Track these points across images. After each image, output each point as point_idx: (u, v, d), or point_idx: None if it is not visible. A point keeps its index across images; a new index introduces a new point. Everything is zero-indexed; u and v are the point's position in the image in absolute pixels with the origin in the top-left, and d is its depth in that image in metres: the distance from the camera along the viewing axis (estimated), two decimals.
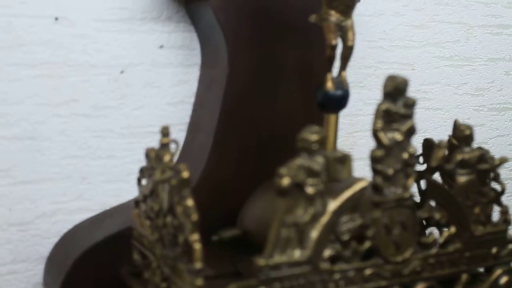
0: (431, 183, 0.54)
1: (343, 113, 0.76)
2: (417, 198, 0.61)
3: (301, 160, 0.47)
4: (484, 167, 0.56)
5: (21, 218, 0.62)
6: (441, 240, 0.54)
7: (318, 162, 0.47)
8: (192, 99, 0.68)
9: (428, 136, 0.63)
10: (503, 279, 0.57)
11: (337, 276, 0.49)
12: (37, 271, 0.63)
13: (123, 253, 0.59)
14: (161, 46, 0.66)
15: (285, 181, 0.46)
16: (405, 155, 0.51)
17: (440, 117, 0.84)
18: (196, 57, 0.67)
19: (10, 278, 0.63)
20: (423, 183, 0.60)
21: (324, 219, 0.48)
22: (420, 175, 0.60)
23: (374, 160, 0.50)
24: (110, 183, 0.65)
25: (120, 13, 0.63)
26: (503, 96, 0.88)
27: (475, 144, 0.57)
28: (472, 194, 0.55)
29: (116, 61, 0.64)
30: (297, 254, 0.47)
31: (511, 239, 0.58)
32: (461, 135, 0.55)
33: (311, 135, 0.47)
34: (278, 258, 0.46)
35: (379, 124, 0.50)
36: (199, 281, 0.46)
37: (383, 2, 0.77)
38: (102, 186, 0.65)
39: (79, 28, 0.62)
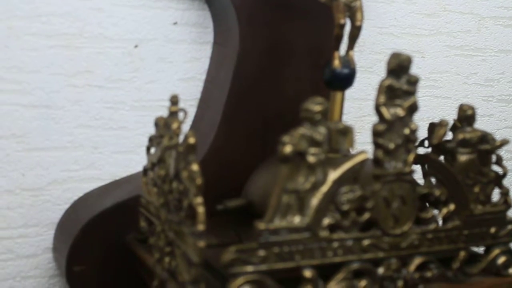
0: (431, 160, 0.55)
1: (351, 97, 0.78)
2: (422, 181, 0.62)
3: (303, 130, 0.48)
4: (485, 147, 0.57)
5: (33, 184, 0.64)
6: (440, 216, 0.55)
7: (320, 132, 0.49)
8: (203, 76, 0.69)
9: None
10: (501, 259, 0.58)
11: (335, 244, 0.50)
12: (47, 236, 0.65)
13: (130, 220, 0.61)
14: (175, 23, 0.67)
15: (287, 149, 0.47)
16: (407, 131, 0.52)
17: (449, 106, 0.85)
18: (209, 35, 0.69)
19: (21, 242, 0.65)
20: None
21: (324, 188, 0.49)
22: (424, 158, 0.61)
23: (376, 134, 0.51)
24: (121, 154, 0.67)
25: None
26: None
27: None
28: (472, 173, 0.56)
29: (130, 35, 0.66)
30: (296, 220, 0.48)
31: (510, 220, 0.59)
32: (463, 115, 0.56)
33: (315, 105, 0.49)
34: (278, 223, 0.48)
35: (382, 99, 0.51)
36: (202, 243, 0.47)
37: None
38: (113, 156, 0.66)
39: (96, 1, 0.64)
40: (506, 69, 0.87)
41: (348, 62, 0.59)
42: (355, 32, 0.60)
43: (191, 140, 0.49)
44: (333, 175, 0.49)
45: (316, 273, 0.49)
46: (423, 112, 0.84)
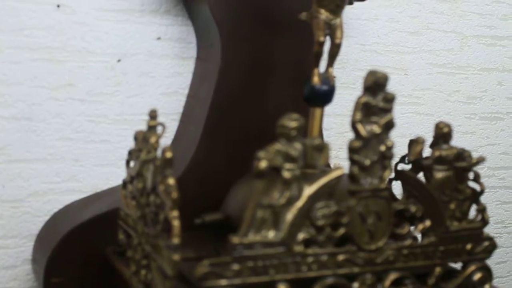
0: (407, 177, 0.56)
1: (334, 113, 0.79)
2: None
3: (279, 145, 0.49)
4: (462, 165, 0.58)
5: (13, 196, 0.64)
6: (415, 232, 0.56)
7: (296, 148, 0.49)
8: (186, 91, 0.70)
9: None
10: (477, 276, 0.59)
11: (310, 259, 0.51)
12: (27, 247, 0.65)
13: (110, 233, 0.61)
14: (159, 38, 0.68)
15: (262, 164, 0.48)
16: (382, 148, 0.52)
17: (431, 123, 0.85)
18: (192, 50, 0.69)
19: (0, 253, 0.65)
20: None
21: (299, 203, 0.49)
22: (401, 174, 0.62)
23: (352, 150, 0.52)
24: (102, 167, 0.67)
25: (120, 4, 0.65)
26: (495, 105, 0.89)
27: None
28: (448, 190, 0.57)
29: (113, 49, 0.66)
30: (271, 235, 0.49)
31: (486, 237, 0.59)
32: (439, 132, 0.57)
33: (290, 122, 0.49)
34: (252, 237, 0.48)
35: (358, 116, 0.52)
36: (176, 256, 0.47)
37: (378, 7, 0.80)
38: (94, 169, 0.67)
39: (80, 15, 0.64)
40: (488, 87, 0.88)
41: (327, 79, 0.60)
42: (335, 50, 0.60)
43: (168, 154, 0.50)
44: (308, 190, 0.50)
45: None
46: (405, 128, 0.85)
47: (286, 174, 0.49)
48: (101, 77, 0.66)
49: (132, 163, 0.58)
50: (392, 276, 0.54)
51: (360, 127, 0.52)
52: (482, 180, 0.59)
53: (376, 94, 0.52)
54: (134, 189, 0.56)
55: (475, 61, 0.86)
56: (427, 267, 0.57)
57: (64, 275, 0.62)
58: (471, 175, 0.60)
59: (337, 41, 0.60)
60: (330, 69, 0.61)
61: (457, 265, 0.60)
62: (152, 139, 0.53)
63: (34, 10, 0.63)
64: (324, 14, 0.59)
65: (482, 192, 0.60)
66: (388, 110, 0.53)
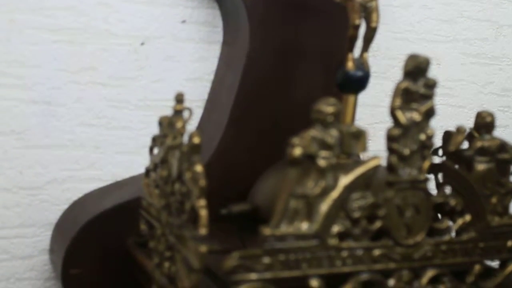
0: (447, 169, 0.53)
1: (364, 103, 0.75)
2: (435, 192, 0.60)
3: (314, 132, 0.46)
4: (504, 156, 0.54)
5: (31, 182, 0.62)
6: (455, 227, 0.52)
7: (332, 135, 0.46)
8: (211, 77, 0.67)
9: None
10: None
11: (344, 253, 0.48)
12: (44, 237, 0.63)
13: (131, 223, 0.58)
14: (184, 21, 0.65)
15: (297, 151, 0.45)
16: (423, 136, 0.49)
17: (463, 115, 0.82)
18: (218, 35, 0.67)
19: (17, 242, 0.62)
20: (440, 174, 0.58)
21: (335, 194, 0.46)
22: (440, 166, 0.58)
23: (391, 138, 0.48)
24: (123, 155, 0.64)
25: None
26: None
27: None
28: (490, 183, 0.53)
29: (137, 32, 0.63)
30: (304, 226, 0.46)
31: None
32: (482, 122, 0.54)
33: (327, 107, 0.46)
34: (284, 229, 0.45)
35: (398, 102, 0.49)
36: (203, 248, 0.45)
37: None
38: (115, 157, 0.64)
39: None
40: None
41: (362, 65, 0.57)
42: (370, 34, 0.57)
43: (196, 140, 0.47)
44: (345, 180, 0.47)
45: (323, 283, 0.47)
46: (436, 120, 0.81)
47: (322, 163, 0.46)
48: (124, 61, 0.63)
49: (156, 150, 0.55)
50: (430, 273, 0.51)
51: (399, 114, 0.48)
52: None
53: (417, 80, 0.49)
54: (158, 177, 0.54)
55: (510, 51, 0.83)
56: (466, 264, 0.54)
57: (82, 266, 0.59)
58: None
59: (373, 24, 0.57)
60: (365, 54, 0.58)
61: (495, 264, 0.57)
62: (179, 124, 0.50)
63: None
64: None
65: None
66: (429, 97, 0.49)
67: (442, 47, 0.79)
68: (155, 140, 0.56)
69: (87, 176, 0.64)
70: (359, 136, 0.48)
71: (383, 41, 0.76)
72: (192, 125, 0.67)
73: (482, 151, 0.53)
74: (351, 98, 0.57)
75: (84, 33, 0.61)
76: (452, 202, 0.53)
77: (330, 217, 0.47)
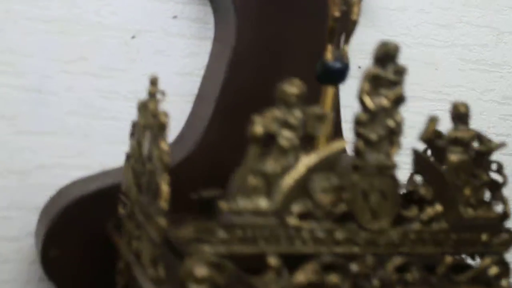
0: (418, 157, 0.53)
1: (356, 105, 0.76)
2: None
3: (277, 112, 0.46)
4: (480, 148, 0.54)
5: (20, 167, 0.64)
6: (424, 216, 0.52)
7: (295, 116, 0.47)
8: (201, 72, 0.68)
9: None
10: (493, 270, 0.54)
11: (305, 234, 0.48)
12: (31, 221, 0.64)
13: (111, 208, 0.59)
14: (175, 17, 0.67)
15: (258, 129, 0.46)
16: (391, 123, 0.49)
17: None
18: (209, 31, 0.68)
19: (4, 224, 0.64)
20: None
21: (296, 173, 0.47)
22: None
23: (358, 123, 0.49)
24: (111, 144, 0.66)
25: None
26: None
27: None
28: (464, 175, 0.53)
29: (128, 25, 0.65)
30: (263, 203, 0.46)
31: (506, 229, 0.55)
32: (456, 112, 0.54)
33: (291, 87, 0.47)
34: (242, 204, 0.46)
35: (366, 87, 0.49)
36: (163, 221, 0.46)
37: None
38: (103, 146, 0.66)
39: None
40: None
41: (341, 57, 0.58)
42: (351, 27, 0.58)
43: (162, 119, 0.48)
44: (307, 160, 0.47)
45: (281, 262, 0.47)
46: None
47: (283, 142, 0.46)
48: (115, 53, 0.65)
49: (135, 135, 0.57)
50: (397, 260, 0.51)
51: (367, 99, 0.49)
52: None
53: (386, 66, 0.50)
54: (134, 160, 0.55)
55: (511, 58, 0.82)
56: (437, 255, 0.53)
57: (62, 249, 0.61)
58: (494, 165, 0.57)
59: (354, 17, 0.58)
60: (345, 47, 0.58)
61: (472, 261, 0.57)
62: (151, 106, 0.52)
63: None
64: None
65: (504, 183, 0.56)
66: (398, 83, 0.50)
67: (440, 52, 0.79)
68: (134, 126, 0.57)
69: (75, 163, 0.65)
70: (323, 118, 0.49)
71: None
72: (182, 120, 0.68)
73: (456, 142, 0.53)
74: (330, 90, 0.58)
75: (76, 24, 0.64)
76: (422, 191, 0.52)
77: (291, 197, 0.48)
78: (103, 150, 0.66)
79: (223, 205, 0.46)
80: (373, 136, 0.49)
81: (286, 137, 0.46)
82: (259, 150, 0.46)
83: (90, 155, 0.65)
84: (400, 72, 0.50)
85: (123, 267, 0.54)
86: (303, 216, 0.48)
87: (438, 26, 0.78)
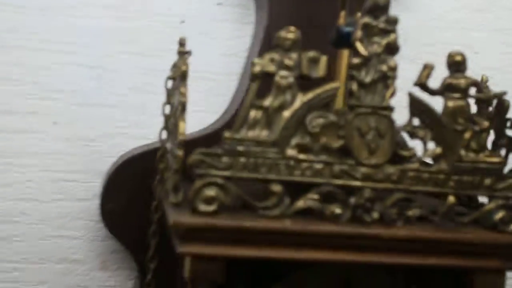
0: (415, 101, 0.57)
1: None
2: None
3: (274, 54, 0.53)
4: (479, 96, 0.58)
5: (86, 135, 0.74)
6: (424, 156, 0.56)
7: (291, 58, 0.53)
8: (245, 53, 0.76)
9: None
10: (499, 214, 0.57)
11: (304, 165, 0.53)
12: (95, 183, 0.73)
13: (154, 167, 0.67)
14: (219, 3, 0.76)
15: (256, 69, 0.53)
16: (384, 67, 0.55)
17: None
18: (251, 16, 0.76)
19: (74, 186, 0.74)
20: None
21: (293, 108, 0.53)
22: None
23: (351, 67, 0.54)
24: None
25: None
26: None
27: None
28: (461, 119, 0.57)
29: (177, 11, 0.75)
30: (264, 134, 0.53)
31: (509, 175, 0.58)
32: (451, 61, 0.57)
33: (287, 33, 0.54)
34: (244, 133, 0.52)
35: (359, 35, 0.55)
36: (180, 151, 0.53)
37: None
38: (158, 118, 0.74)
39: None
40: None
41: (353, 22, 0.63)
42: None
43: (184, 67, 0.56)
44: (303, 97, 0.53)
45: (283, 189, 0.53)
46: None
47: (280, 80, 0.53)
48: (166, 36, 0.74)
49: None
50: (396, 196, 0.55)
51: (359, 45, 0.54)
52: None
53: (378, 16, 0.55)
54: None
55: None
56: (438, 194, 0.57)
57: (116, 202, 0.70)
58: (508, 123, 0.60)
59: None
60: (358, 13, 0.64)
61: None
62: (179, 63, 0.60)
63: None
64: None
65: None
66: (389, 31, 0.55)
67: (476, 36, 0.82)
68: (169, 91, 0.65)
69: (134, 133, 0.74)
70: (318, 60, 0.55)
71: (416, 27, 0.81)
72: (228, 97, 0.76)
73: (451, 88, 0.57)
74: (344, 52, 0.64)
75: (132, 11, 0.74)
76: (420, 133, 0.56)
77: (289, 129, 0.53)
78: (158, 122, 0.74)
79: (227, 134, 0.52)
80: (366, 78, 0.54)
81: (283, 76, 0.53)
82: (258, 86, 0.53)
83: (147, 126, 0.74)
84: (391, 21, 0.55)
85: (156, 204, 0.62)
86: (301, 149, 0.54)
87: (472, 11, 0.82)
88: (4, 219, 0.73)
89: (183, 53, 0.60)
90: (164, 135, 0.62)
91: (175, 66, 0.61)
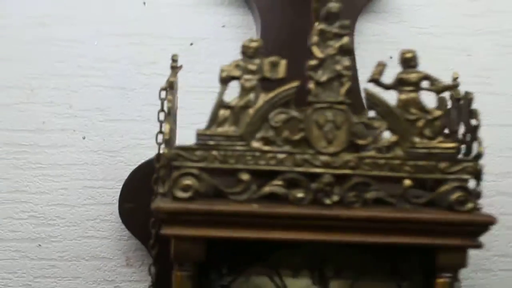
0: (370, 95, 0.63)
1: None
2: None
3: (239, 61, 0.62)
4: (431, 88, 0.64)
5: (111, 147, 0.84)
6: (379, 144, 0.62)
7: (254, 63, 0.62)
8: None
9: (492, 121, 0.76)
10: (455, 195, 0.62)
11: (268, 155, 0.61)
12: (119, 189, 0.83)
13: None
14: (223, 26, 0.85)
15: (223, 74, 0.61)
16: (338, 67, 0.62)
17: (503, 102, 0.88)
18: (253, 35, 0.85)
19: (101, 191, 0.85)
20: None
21: (256, 106, 0.61)
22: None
23: (309, 68, 0.62)
24: (180, 129, 0.84)
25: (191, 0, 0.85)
26: None
27: None
28: (414, 109, 0.63)
29: (187, 35, 0.85)
30: (232, 129, 0.61)
31: (465, 159, 0.63)
32: (402, 58, 0.64)
33: (250, 42, 0.62)
34: (214, 130, 0.61)
35: (314, 40, 0.62)
36: (165, 150, 0.62)
37: None
38: None
39: (160, 9, 0.85)
40: None
41: None
42: None
43: (171, 79, 0.66)
44: (265, 96, 0.61)
45: (250, 177, 0.61)
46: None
47: (245, 83, 0.61)
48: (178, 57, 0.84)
49: None
50: (353, 180, 0.62)
51: (315, 49, 0.62)
52: None
53: (332, 23, 0.63)
54: None
55: None
56: (394, 178, 0.62)
57: (134, 201, 0.79)
58: (471, 113, 0.66)
59: None
60: None
61: None
62: (171, 75, 0.69)
63: (125, 5, 0.85)
64: None
65: (478, 126, 0.64)
66: (342, 35, 0.62)
67: (471, 40, 0.87)
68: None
69: (151, 144, 0.84)
70: (278, 64, 0.63)
71: (407, 37, 0.87)
72: None
73: (402, 82, 0.63)
74: None
75: (148, 37, 0.85)
76: (376, 124, 0.63)
77: (253, 125, 0.61)
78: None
79: (199, 130, 0.61)
80: (322, 78, 0.62)
81: (247, 79, 0.61)
82: (226, 89, 0.61)
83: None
84: (345, 26, 0.62)
85: (154, 197, 0.71)
86: (266, 142, 0.62)
87: (466, 16, 0.87)
88: (43, 222, 0.84)
89: (175, 68, 0.70)
90: (160, 138, 0.71)
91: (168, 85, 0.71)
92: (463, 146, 0.65)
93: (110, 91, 0.85)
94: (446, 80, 0.66)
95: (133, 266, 0.85)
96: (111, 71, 0.85)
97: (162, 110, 0.71)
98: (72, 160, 0.84)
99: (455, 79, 0.68)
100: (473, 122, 0.65)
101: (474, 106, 0.87)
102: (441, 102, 0.65)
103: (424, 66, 0.85)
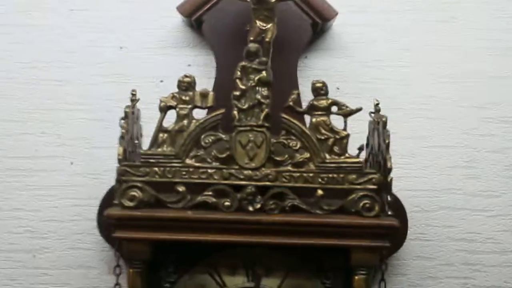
0: (285, 120, 0.75)
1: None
2: None
3: (176, 93, 0.75)
4: (339, 112, 0.75)
5: (94, 170, 0.98)
6: (294, 160, 0.74)
7: (187, 94, 0.75)
8: None
9: (432, 143, 0.92)
10: (362, 202, 0.73)
11: (201, 171, 0.73)
12: None
13: None
14: (189, 65, 0.99)
15: (162, 104, 0.75)
16: (258, 96, 0.74)
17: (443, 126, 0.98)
18: (214, 73, 0.98)
19: (87, 209, 0.98)
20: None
21: (189, 130, 0.74)
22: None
23: (233, 98, 0.75)
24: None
25: (160, 43, 0.99)
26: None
27: None
28: (324, 130, 0.74)
29: (158, 73, 0.99)
30: (169, 149, 0.74)
31: (370, 171, 0.74)
32: (313, 87, 0.76)
33: (184, 78, 0.75)
34: (155, 150, 0.74)
35: (237, 74, 0.75)
36: (119, 167, 0.75)
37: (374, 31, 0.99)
38: None
39: (135, 52, 0.99)
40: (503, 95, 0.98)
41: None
42: (266, 46, 0.83)
43: (126, 109, 0.79)
44: (196, 122, 0.74)
45: (185, 189, 0.73)
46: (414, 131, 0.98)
47: (179, 111, 0.74)
48: (150, 92, 0.98)
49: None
50: (273, 191, 0.73)
51: (238, 82, 0.75)
52: None
53: (252, 60, 0.75)
54: None
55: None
56: (309, 189, 0.74)
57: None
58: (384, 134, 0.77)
59: (267, 39, 0.83)
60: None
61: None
62: (128, 106, 0.83)
63: (100, 52, 1.00)
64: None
65: (388, 144, 0.75)
66: (261, 70, 0.75)
67: (410, 71, 0.98)
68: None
69: None
70: (207, 95, 0.75)
71: (355, 69, 0.99)
72: None
73: (314, 108, 0.75)
74: None
75: (125, 76, 0.98)
76: (292, 143, 0.74)
77: (187, 145, 0.74)
78: None
79: (142, 151, 0.74)
80: (244, 106, 0.74)
81: (181, 108, 0.74)
82: (164, 117, 0.74)
83: None
84: (263, 62, 0.75)
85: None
86: (198, 159, 0.74)
87: (404, 51, 0.98)
88: (37, 235, 0.98)
89: (133, 100, 0.83)
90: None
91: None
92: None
93: (93, 122, 0.99)
94: (384, 107, 0.78)
95: (115, 274, 0.97)
96: (93, 106, 0.99)
97: (122, 136, 0.84)
98: (62, 182, 0.98)
99: (376, 105, 0.79)
100: (385, 141, 0.76)
101: (414, 129, 0.98)
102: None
103: (367, 95, 0.98)
